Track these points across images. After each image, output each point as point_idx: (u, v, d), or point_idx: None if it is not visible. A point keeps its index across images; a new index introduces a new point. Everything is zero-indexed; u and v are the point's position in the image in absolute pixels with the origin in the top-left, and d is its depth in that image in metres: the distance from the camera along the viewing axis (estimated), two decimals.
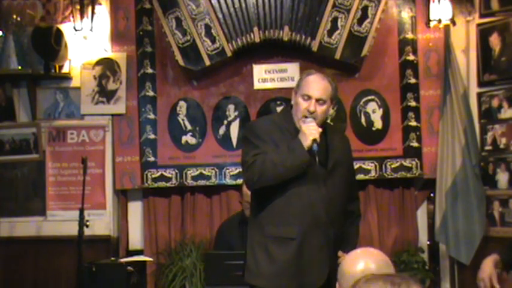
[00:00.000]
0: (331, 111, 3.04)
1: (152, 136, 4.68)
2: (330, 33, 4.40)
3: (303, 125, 2.86)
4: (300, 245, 2.85)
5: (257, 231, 2.95)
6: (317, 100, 2.89)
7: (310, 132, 2.81)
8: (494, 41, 4.45)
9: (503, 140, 4.41)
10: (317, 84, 2.91)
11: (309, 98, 2.89)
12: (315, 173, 2.87)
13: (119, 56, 4.76)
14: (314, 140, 2.80)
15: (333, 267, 2.80)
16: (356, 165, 4.57)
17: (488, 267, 2.78)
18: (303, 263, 2.85)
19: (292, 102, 2.99)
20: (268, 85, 4.68)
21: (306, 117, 2.88)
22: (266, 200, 2.91)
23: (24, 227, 4.77)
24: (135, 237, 4.81)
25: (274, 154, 2.84)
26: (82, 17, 4.66)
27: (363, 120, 4.66)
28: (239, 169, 4.54)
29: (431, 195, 4.68)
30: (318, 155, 2.84)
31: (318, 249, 2.87)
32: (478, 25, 4.55)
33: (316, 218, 2.87)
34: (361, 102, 4.66)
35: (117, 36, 4.77)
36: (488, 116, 4.50)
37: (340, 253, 2.93)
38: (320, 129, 2.86)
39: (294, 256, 2.85)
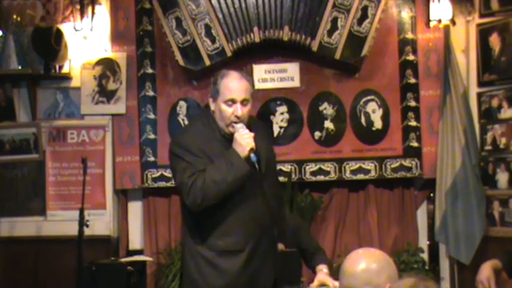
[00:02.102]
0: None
1: (152, 136, 4.68)
2: (330, 33, 4.41)
3: (237, 134, 2.74)
4: (248, 255, 2.79)
5: (199, 245, 2.83)
6: (242, 102, 2.78)
7: (246, 142, 2.72)
8: (494, 41, 4.45)
9: (503, 140, 4.41)
10: (238, 86, 2.78)
11: (234, 102, 2.77)
12: (252, 179, 2.78)
13: (119, 56, 4.76)
14: (251, 150, 2.72)
15: (277, 266, 2.91)
16: (356, 165, 4.61)
17: (487, 270, 2.78)
18: (252, 272, 2.81)
19: (212, 108, 2.85)
20: (268, 85, 4.69)
21: (236, 122, 2.77)
22: (207, 213, 2.79)
23: (24, 227, 4.77)
24: (135, 237, 4.82)
25: (213, 171, 2.72)
26: (82, 17, 4.66)
27: (362, 120, 4.66)
28: None
29: (431, 195, 4.68)
30: (257, 162, 2.75)
31: (264, 257, 2.84)
32: (478, 25, 4.55)
33: (261, 224, 2.82)
34: (361, 102, 4.67)
35: (117, 36, 4.78)
36: (488, 116, 4.51)
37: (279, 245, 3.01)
38: (252, 134, 2.76)
39: (242, 267, 2.79)
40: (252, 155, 2.72)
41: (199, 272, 2.83)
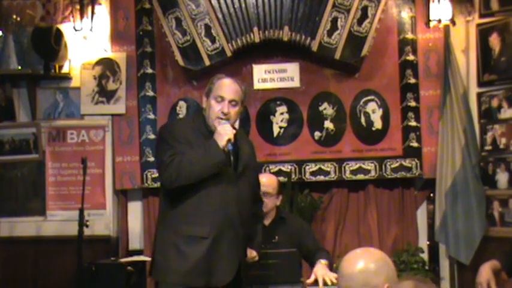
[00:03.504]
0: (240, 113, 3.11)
1: (152, 136, 4.68)
2: (330, 33, 4.41)
3: (218, 125, 2.94)
4: (211, 244, 2.91)
5: (168, 230, 2.99)
6: (230, 101, 2.97)
7: (225, 132, 2.89)
8: (494, 41, 4.45)
9: (503, 140, 4.41)
10: (229, 87, 3.00)
11: (222, 99, 2.97)
12: (226, 175, 2.96)
13: (118, 56, 4.76)
14: (229, 140, 2.88)
15: (242, 264, 3.02)
16: (356, 165, 4.60)
17: (486, 271, 2.78)
18: (214, 261, 2.92)
19: (204, 105, 3.05)
20: (268, 85, 4.69)
21: (221, 118, 2.96)
22: (178, 200, 2.96)
23: (24, 227, 4.77)
24: (135, 237, 4.82)
25: (191, 154, 2.91)
26: (82, 17, 4.66)
27: (362, 120, 4.66)
28: None
29: (431, 195, 4.68)
30: (232, 154, 2.95)
31: (228, 248, 2.94)
32: (478, 25, 4.55)
33: (228, 217, 2.94)
34: (361, 102, 4.67)
35: (117, 36, 4.78)
36: (488, 116, 4.51)
37: (248, 250, 3.14)
38: (234, 131, 2.95)
39: (205, 254, 2.91)
40: (229, 145, 2.89)
41: (163, 254, 2.98)
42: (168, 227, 2.99)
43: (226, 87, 3.00)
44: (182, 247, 2.93)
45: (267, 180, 3.79)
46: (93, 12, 4.68)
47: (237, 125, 3.18)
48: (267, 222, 3.77)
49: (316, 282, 3.22)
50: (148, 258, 4.43)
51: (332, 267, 3.45)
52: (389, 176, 4.62)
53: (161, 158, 2.97)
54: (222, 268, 2.94)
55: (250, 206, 3.11)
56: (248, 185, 3.08)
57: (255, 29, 4.45)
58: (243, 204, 3.01)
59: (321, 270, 3.29)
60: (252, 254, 3.18)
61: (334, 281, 3.16)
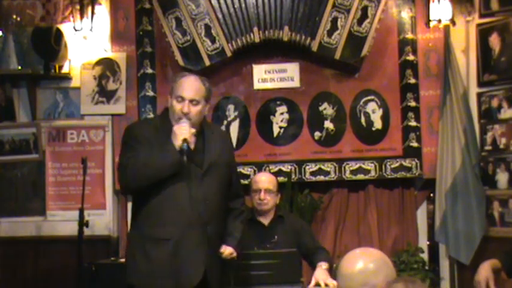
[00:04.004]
0: (205, 111, 3.07)
1: None
2: (330, 33, 4.41)
3: (175, 125, 2.91)
4: (175, 246, 2.89)
5: (136, 232, 3.00)
6: (190, 101, 2.94)
7: (180, 132, 2.86)
8: (494, 41, 4.45)
9: (503, 140, 4.41)
10: (189, 86, 2.96)
11: (183, 99, 2.94)
12: (189, 174, 2.93)
13: (118, 56, 4.76)
14: (184, 140, 2.85)
15: (210, 265, 2.95)
16: (356, 165, 4.60)
17: (485, 270, 2.77)
18: (179, 263, 2.90)
19: (168, 105, 3.03)
20: (268, 85, 4.69)
21: (181, 118, 2.93)
22: (144, 201, 2.96)
23: (24, 227, 4.78)
24: None
25: (147, 155, 2.90)
26: (82, 17, 4.66)
27: (362, 120, 4.66)
28: (239, 169, 4.55)
29: (431, 195, 4.68)
30: (187, 154, 2.87)
31: (193, 249, 2.92)
32: (478, 25, 4.55)
33: (191, 218, 2.91)
34: (361, 102, 4.67)
35: (117, 36, 4.78)
36: (488, 116, 4.50)
37: (222, 248, 3.04)
38: (193, 130, 2.92)
39: (169, 256, 2.89)
40: (185, 145, 2.85)
41: (132, 256, 2.99)
42: (136, 229, 3.00)
43: (186, 86, 2.96)
44: (148, 250, 2.92)
45: (268, 178, 3.80)
46: (93, 12, 4.68)
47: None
48: (266, 221, 3.77)
49: (316, 286, 3.21)
50: None
51: (332, 268, 3.45)
52: (389, 176, 4.62)
53: (120, 161, 2.98)
54: (188, 270, 2.90)
55: (220, 203, 3.05)
56: (216, 182, 3.01)
57: (255, 29, 4.45)
58: (208, 203, 2.95)
59: (322, 275, 3.28)
60: (226, 251, 3.07)
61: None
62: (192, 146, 2.90)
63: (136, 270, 2.95)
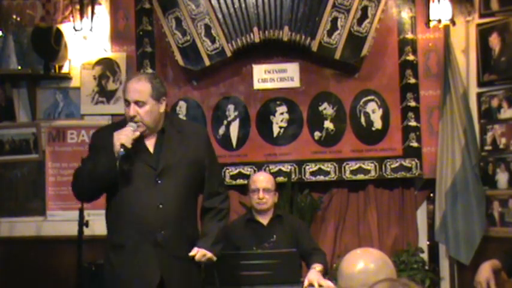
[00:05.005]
0: (161, 109, 3.00)
1: None
2: (330, 33, 4.40)
3: (116, 132, 2.87)
4: (130, 252, 2.88)
5: (107, 238, 3.06)
6: (135, 103, 2.89)
7: (118, 138, 2.82)
8: (494, 41, 4.45)
9: (503, 140, 4.41)
10: (131, 88, 2.91)
11: (129, 102, 2.90)
12: (144, 177, 2.90)
13: (118, 56, 4.76)
14: (122, 145, 2.81)
15: (168, 269, 2.88)
16: (356, 165, 4.60)
17: (485, 270, 2.77)
18: (134, 269, 2.88)
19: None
20: (268, 85, 4.69)
21: (130, 122, 2.90)
22: (108, 207, 3.02)
23: (24, 227, 4.77)
24: None
25: (90, 162, 2.92)
26: (82, 17, 4.66)
27: (362, 120, 4.66)
28: (239, 169, 4.56)
29: (431, 195, 4.68)
30: (123, 159, 2.83)
31: (148, 254, 2.87)
32: (478, 25, 4.55)
33: (145, 223, 2.87)
34: (361, 102, 4.67)
35: (117, 36, 4.78)
36: (488, 116, 4.51)
37: (193, 250, 2.93)
38: (137, 134, 2.87)
39: (125, 262, 2.90)
40: (121, 150, 2.81)
41: (104, 261, 3.05)
42: (107, 235, 3.05)
43: (128, 89, 2.91)
44: (111, 257, 2.96)
45: (266, 177, 3.81)
46: (93, 12, 4.68)
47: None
48: (265, 221, 3.77)
49: (310, 286, 3.20)
50: None
51: (330, 268, 3.46)
52: (389, 176, 4.62)
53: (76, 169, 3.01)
54: (144, 275, 2.87)
55: (183, 205, 2.94)
56: (174, 185, 2.91)
57: (255, 29, 4.45)
58: (167, 206, 2.87)
59: (314, 275, 3.27)
60: (198, 254, 2.94)
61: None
62: (136, 149, 2.87)
63: (106, 277, 2.99)
